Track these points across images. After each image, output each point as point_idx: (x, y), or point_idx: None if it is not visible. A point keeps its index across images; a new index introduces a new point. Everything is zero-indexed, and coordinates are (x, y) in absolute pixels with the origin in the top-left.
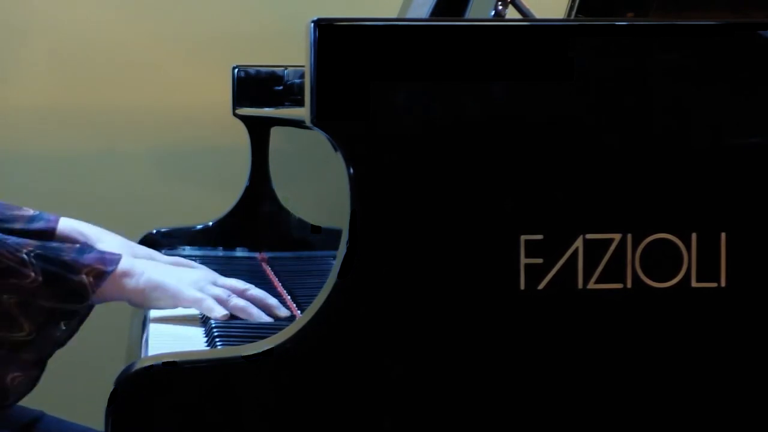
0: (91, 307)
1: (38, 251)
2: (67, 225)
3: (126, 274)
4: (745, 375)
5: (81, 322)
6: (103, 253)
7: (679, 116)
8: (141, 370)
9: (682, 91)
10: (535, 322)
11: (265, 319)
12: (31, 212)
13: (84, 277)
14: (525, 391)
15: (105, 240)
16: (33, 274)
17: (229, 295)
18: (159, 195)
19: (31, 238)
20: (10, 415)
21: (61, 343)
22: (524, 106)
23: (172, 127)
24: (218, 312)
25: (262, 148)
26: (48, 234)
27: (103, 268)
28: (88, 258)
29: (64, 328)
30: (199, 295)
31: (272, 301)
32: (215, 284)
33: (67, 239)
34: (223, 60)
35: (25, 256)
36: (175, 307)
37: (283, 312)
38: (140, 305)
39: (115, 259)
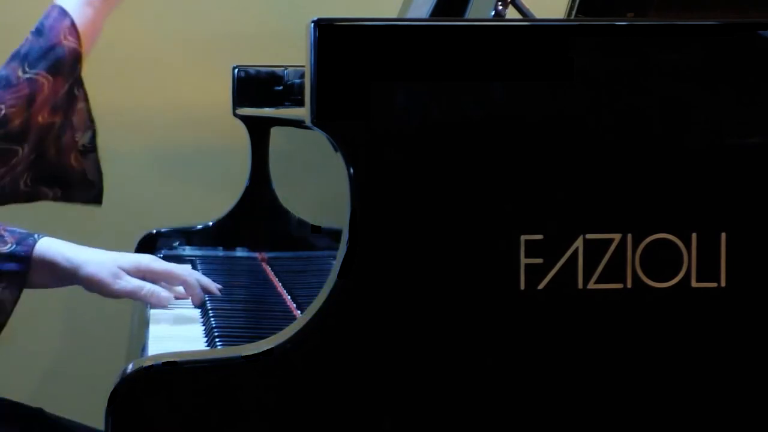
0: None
1: None
2: (45, 249)
3: (83, 4)
4: (745, 375)
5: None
6: (47, 17)
7: (679, 116)
8: (141, 370)
9: (682, 91)
10: (535, 322)
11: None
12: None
13: (66, 44)
14: (525, 391)
15: (90, 258)
16: None
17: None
18: (159, 195)
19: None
20: (9, 413)
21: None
22: (524, 106)
23: (172, 127)
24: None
25: (262, 148)
26: (20, 274)
27: (65, 23)
28: (50, 32)
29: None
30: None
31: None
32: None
33: (47, 263)
34: (223, 60)
35: None
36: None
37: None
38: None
39: (60, 10)
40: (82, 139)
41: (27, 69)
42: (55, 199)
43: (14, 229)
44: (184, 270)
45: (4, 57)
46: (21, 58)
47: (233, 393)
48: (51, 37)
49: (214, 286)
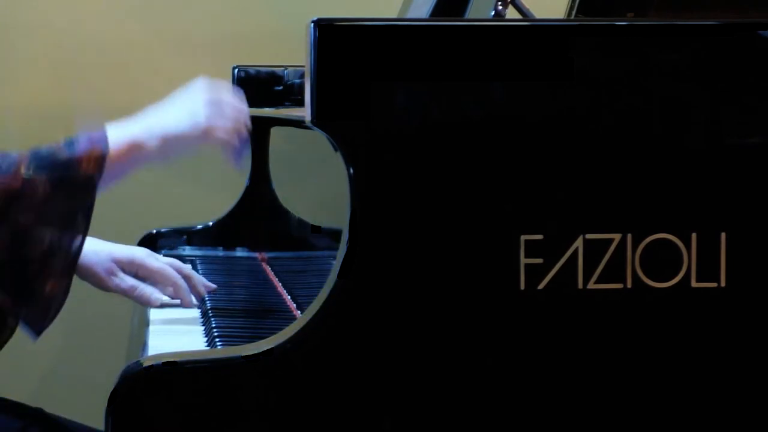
0: (90, 206)
1: (35, 163)
2: None
3: (134, 146)
4: (744, 375)
5: (90, 211)
6: (87, 135)
7: (679, 116)
8: (141, 370)
9: (682, 91)
10: (535, 322)
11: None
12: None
13: (85, 168)
14: (525, 391)
15: (87, 248)
16: (41, 187)
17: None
18: (159, 195)
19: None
20: (9, 413)
21: (80, 244)
22: (524, 106)
23: None
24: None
25: (262, 148)
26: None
27: (97, 151)
28: (79, 149)
29: (80, 222)
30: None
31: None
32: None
33: None
34: (223, 60)
35: (25, 174)
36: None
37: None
38: (168, 161)
39: (102, 136)
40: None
41: (31, 168)
42: None
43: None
44: (174, 273)
45: (5, 56)
46: (34, 157)
47: (233, 393)
48: (75, 155)
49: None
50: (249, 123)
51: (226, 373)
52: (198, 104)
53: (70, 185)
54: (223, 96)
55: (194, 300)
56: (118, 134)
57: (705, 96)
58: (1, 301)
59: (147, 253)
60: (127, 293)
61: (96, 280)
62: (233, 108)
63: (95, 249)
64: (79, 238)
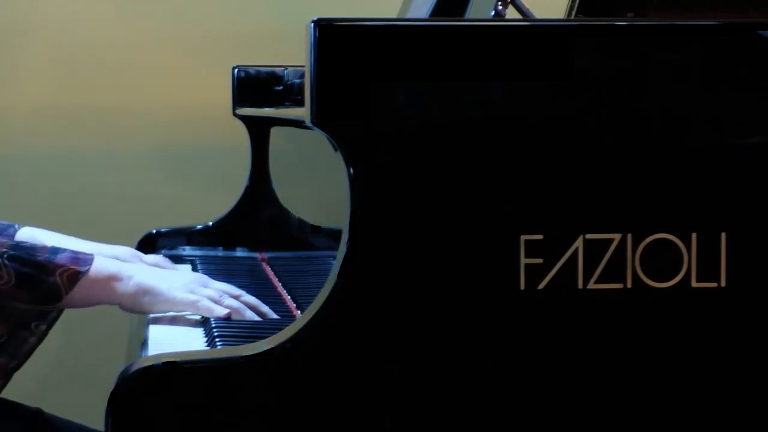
0: (59, 314)
1: (11, 252)
2: (26, 237)
3: (114, 277)
4: (745, 375)
5: (50, 326)
6: (76, 253)
7: (679, 116)
8: (141, 370)
9: (682, 91)
10: (535, 322)
11: (257, 319)
12: None
13: (57, 278)
14: (525, 391)
15: (73, 248)
16: (6, 276)
17: (221, 296)
18: (159, 195)
19: None
20: (8, 413)
21: (29, 351)
22: (524, 106)
23: (172, 127)
24: (218, 311)
25: (262, 148)
26: None
27: (77, 268)
28: (61, 258)
29: (34, 329)
30: (192, 297)
31: (265, 308)
32: (206, 287)
33: None
34: (223, 60)
35: None
36: (168, 311)
37: (274, 316)
38: (131, 310)
39: (89, 259)
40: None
41: (5, 255)
42: None
43: None
44: (164, 265)
45: (5, 56)
46: (14, 246)
47: (233, 393)
48: (54, 261)
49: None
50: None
51: (226, 373)
52: (185, 278)
53: (35, 287)
54: (209, 282)
55: None
56: (102, 264)
57: (705, 96)
58: None
59: (131, 253)
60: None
61: None
62: (216, 290)
63: (79, 249)
64: (25, 342)
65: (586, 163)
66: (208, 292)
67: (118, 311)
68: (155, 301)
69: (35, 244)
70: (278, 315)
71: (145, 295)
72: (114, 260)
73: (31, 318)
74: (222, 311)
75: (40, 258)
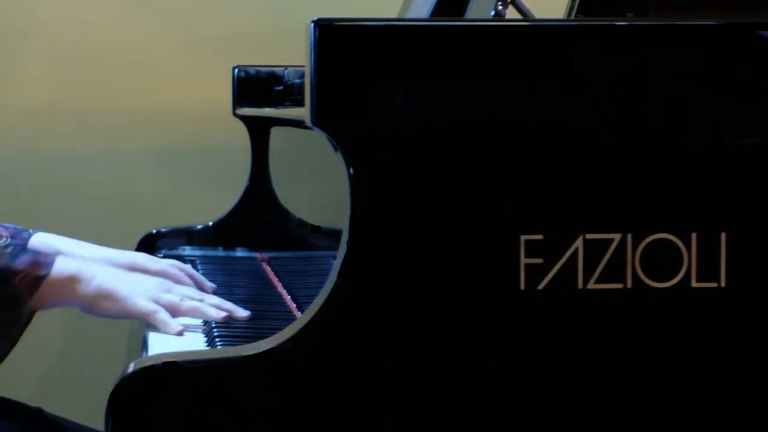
0: (31, 315)
1: None
2: (40, 243)
3: (73, 279)
4: (745, 375)
5: (21, 330)
6: (36, 255)
7: (679, 116)
8: (141, 370)
9: (682, 91)
10: (535, 322)
11: (221, 315)
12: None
13: (17, 284)
14: (525, 392)
15: (83, 255)
16: None
17: (182, 299)
18: (159, 195)
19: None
20: (8, 412)
21: (3, 354)
22: (524, 106)
23: (172, 127)
24: (172, 327)
25: (262, 148)
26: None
27: (37, 272)
28: (20, 263)
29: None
30: (151, 307)
31: (229, 305)
32: (169, 291)
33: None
34: (223, 60)
35: None
36: (126, 317)
37: (242, 313)
38: (89, 312)
39: (49, 262)
40: None
41: None
42: None
43: (8, 224)
44: (177, 272)
45: (5, 56)
46: None
47: (233, 393)
48: (13, 267)
49: (208, 285)
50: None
51: (226, 373)
52: (148, 283)
53: None
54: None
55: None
56: (63, 265)
57: (705, 96)
58: None
59: (146, 257)
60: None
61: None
62: (178, 294)
63: (94, 256)
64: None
65: (586, 163)
66: (169, 297)
67: None
68: (115, 307)
69: None
70: (278, 315)
71: (105, 299)
72: (75, 260)
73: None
74: (174, 328)
75: None
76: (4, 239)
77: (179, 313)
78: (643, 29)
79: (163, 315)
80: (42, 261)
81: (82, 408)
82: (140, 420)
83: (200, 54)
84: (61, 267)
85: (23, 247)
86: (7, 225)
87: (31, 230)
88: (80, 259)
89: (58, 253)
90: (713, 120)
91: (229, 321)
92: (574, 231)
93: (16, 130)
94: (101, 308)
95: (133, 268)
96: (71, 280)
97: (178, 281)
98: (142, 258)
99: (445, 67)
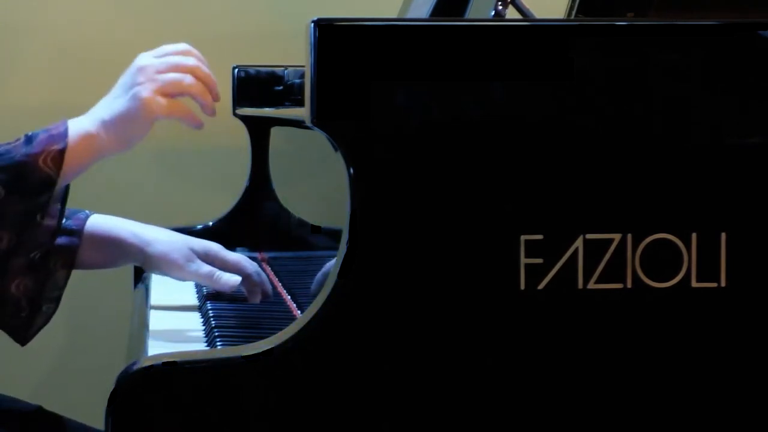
0: (67, 188)
1: None
2: (104, 223)
3: (87, 136)
4: (745, 375)
5: (64, 203)
6: (48, 131)
7: (679, 116)
8: (141, 370)
9: (682, 91)
10: (535, 322)
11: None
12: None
13: (42, 166)
14: (525, 392)
15: (160, 237)
16: None
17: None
18: (159, 195)
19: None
20: (8, 410)
21: (54, 231)
22: (524, 106)
23: (172, 127)
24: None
25: (262, 148)
26: (72, 249)
27: (57, 147)
28: (37, 145)
29: (41, 220)
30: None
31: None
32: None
33: (103, 238)
34: (223, 60)
35: None
36: (148, 128)
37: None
38: (119, 148)
39: (62, 132)
40: (34, 257)
41: None
42: None
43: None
44: (249, 266)
45: (5, 56)
46: None
47: (233, 393)
48: (32, 153)
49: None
50: (194, 63)
51: (226, 373)
52: (129, 77)
53: (26, 185)
54: (152, 59)
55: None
56: (72, 129)
57: (705, 96)
58: None
59: (220, 247)
60: (206, 278)
61: (173, 267)
62: (166, 63)
63: (170, 239)
64: (45, 233)
65: (586, 163)
66: (171, 76)
67: (118, 311)
68: (136, 126)
69: (7, 146)
70: (278, 315)
71: (124, 123)
72: (78, 119)
73: (37, 210)
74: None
75: (17, 157)
76: (56, 221)
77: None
78: (643, 29)
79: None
80: (55, 133)
81: (82, 407)
82: (140, 420)
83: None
84: (75, 131)
85: (79, 229)
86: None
87: (87, 211)
88: (78, 121)
89: (65, 123)
90: (713, 120)
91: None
92: (574, 231)
93: (16, 130)
94: (127, 133)
95: (208, 254)
96: (88, 138)
97: (248, 276)
98: (218, 246)
99: (445, 67)
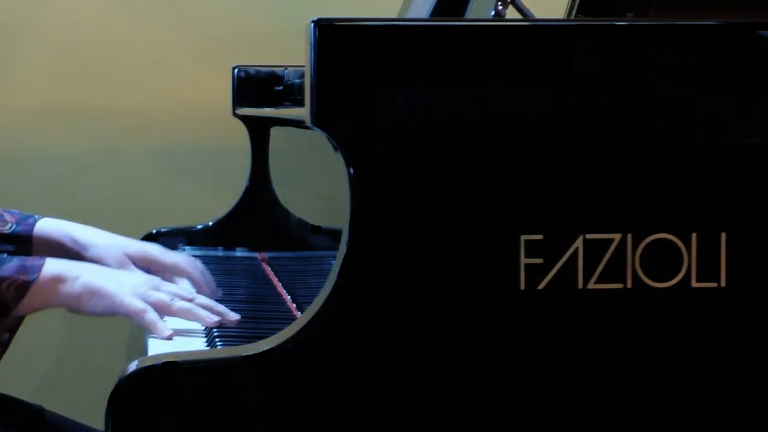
0: (20, 319)
1: None
2: (49, 227)
3: (58, 279)
4: (744, 375)
5: (12, 334)
6: (24, 260)
7: (679, 116)
8: (141, 370)
9: (682, 91)
10: (535, 322)
11: (213, 319)
12: (5, 229)
13: (4, 290)
14: (525, 392)
15: (97, 241)
16: None
17: (172, 299)
18: (159, 195)
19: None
20: (8, 410)
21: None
22: (524, 106)
23: (172, 127)
24: (161, 329)
25: (262, 148)
26: (23, 239)
27: (25, 278)
28: (7, 270)
29: None
30: (140, 305)
31: (220, 307)
32: (157, 289)
33: (50, 242)
34: (223, 60)
35: None
36: (113, 314)
37: (233, 316)
38: (76, 311)
39: (37, 266)
40: None
41: None
42: None
43: (13, 210)
44: (189, 266)
45: (5, 56)
46: None
47: (233, 393)
48: (2, 273)
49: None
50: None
51: (226, 373)
52: (136, 280)
53: None
54: (162, 282)
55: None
56: (49, 267)
57: (705, 96)
58: None
59: (160, 248)
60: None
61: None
62: (167, 293)
63: (108, 243)
64: None
65: (586, 163)
66: (159, 295)
67: None
68: (102, 304)
69: None
70: (278, 315)
71: (91, 296)
72: (62, 261)
73: None
74: (164, 332)
75: None
76: (10, 225)
77: (169, 314)
78: (643, 29)
79: (152, 315)
80: (29, 266)
81: (82, 407)
82: (140, 420)
83: (200, 54)
84: (48, 270)
85: (28, 234)
86: (13, 211)
87: (36, 215)
88: (64, 261)
89: (45, 259)
90: (713, 120)
91: (219, 325)
92: (574, 231)
93: (16, 130)
94: (88, 306)
95: (145, 258)
96: (57, 281)
97: (189, 276)
98: (155, 249)
99: (445, 67)
